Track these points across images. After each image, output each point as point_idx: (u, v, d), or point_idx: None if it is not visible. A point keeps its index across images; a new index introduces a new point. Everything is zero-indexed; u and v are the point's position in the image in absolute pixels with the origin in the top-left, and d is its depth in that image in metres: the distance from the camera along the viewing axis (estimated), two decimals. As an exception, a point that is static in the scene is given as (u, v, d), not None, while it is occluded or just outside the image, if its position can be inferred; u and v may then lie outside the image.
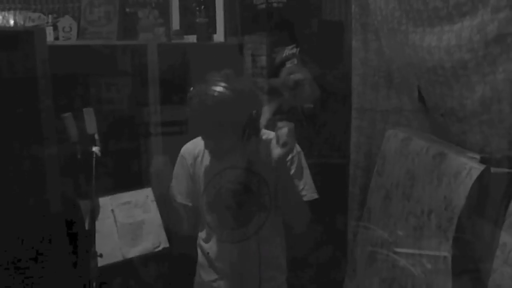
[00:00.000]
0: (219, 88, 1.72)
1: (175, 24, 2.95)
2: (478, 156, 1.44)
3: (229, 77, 1.77)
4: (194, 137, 2.00)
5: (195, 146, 1.98)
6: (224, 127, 1.75)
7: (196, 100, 1.74)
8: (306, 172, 1.92)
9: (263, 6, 2.72)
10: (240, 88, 1.76)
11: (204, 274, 2.02)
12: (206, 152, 1.93)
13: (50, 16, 2.93)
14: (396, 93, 2.12)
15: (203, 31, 2.83)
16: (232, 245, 1.94)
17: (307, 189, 1.90)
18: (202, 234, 2.03)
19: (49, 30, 2.85)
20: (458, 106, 1.56)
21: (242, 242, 1.93)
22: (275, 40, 2.70)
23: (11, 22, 2.92)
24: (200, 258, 2.04)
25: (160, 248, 2.11)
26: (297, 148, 1.91)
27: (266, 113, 1.84)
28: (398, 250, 1.59)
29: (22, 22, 2.91)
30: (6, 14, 2.94)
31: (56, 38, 2.88)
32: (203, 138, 1.88)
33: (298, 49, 2.59)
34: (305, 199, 1.89)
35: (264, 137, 1.89)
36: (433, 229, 1.53)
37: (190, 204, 2.00)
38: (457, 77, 1.51)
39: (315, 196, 1.91)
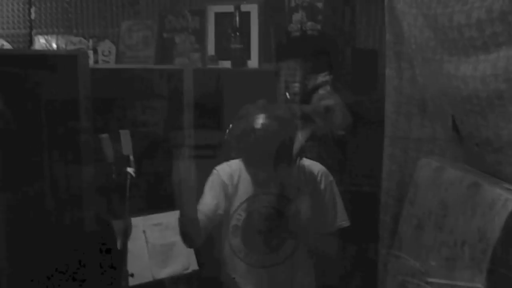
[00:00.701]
0: (265, 120, 1.81)
1: (211, 49, 3.00)
2: (513, 187, 1.42)
3: (266, 107, 1.86)
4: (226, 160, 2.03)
5: (230, 169, 2.02)
6: (271, 155, 1.81)
7: (244, 135, 1.83)
8: (339, 200, 1.97)
9: (298, 33, 2.76)
10: (281, 115, 1.87)
11: None
12: (241, 176, 1.96)
13: (90, 40, 3.03)
14: (430, 122, 2.10)
15: (237, 57, 2.87)
16: (262, 270, 1.94)
17: (339, 216, 1.95)
18: (225, 259, 2.02)
19: (89, 54, 2.94)
20: (494, 136, 1.54)
21: (272, 268, 1.93)
22: (309, 67, 2.73)
23: (54, 45, 3.03)
24: (227, 284, 2.03)
25: (189, 270, 2.13)
26: (329, 176, 1.97)
27: (298, 140, 1.86)
28: (430, 280, 1.56)
29: (63, 46, 3.02)
30: (49, 38, 3.05)
31: (96, 62, 2.98)
32: (247, 166, 1.93)
33: (331, 76, 2.60)
34: (336, 227, 1.94)
35: (298, 163, 1.92)
36: (466, 261, 1.50)
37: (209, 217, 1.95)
38: (492, 107, 1.49)
39: (347, 224, 1.96)
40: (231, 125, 1.90)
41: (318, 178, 2.00)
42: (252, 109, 1.86)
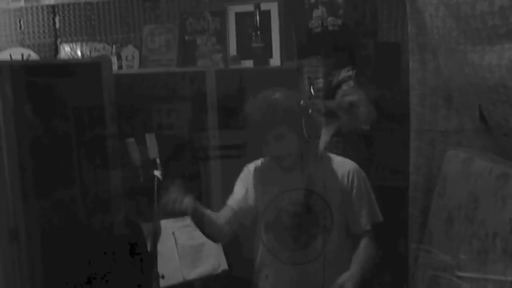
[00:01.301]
0: (276, 93, 1.91)
1: (232, 49, 3.01)
2: (544, 177, 1.39)
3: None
4: (254, 158, 2.05)
5: (260, 165, 2.05)
6: (287, 124, 1.84)
7: (258, 105, 1.89)
8: (372, 198, 2.00)
9: (319, 29, 2.74)
10: (284, 91, 1.94)
11: None
12: (271, 172, 1.99)
13: (114, 46, 3.07)
14: (456, 113, 2.07)
15: (259, 56, 2.87)
16: (292, 267, 1.94)
17: (372, 214, 1.98)
18: (259, 257, 2.03)
19: (113, 59, 2.99)
20: (522, 125, 1.52)
21: (303, 265, 1.92)
22: (331, 63, 2.71)
23: (78, 53, 3.08)
24: (260, 282, 2.04)
25: (219, 271, 2.14)
26: (362, 173, 2.00)
27: (324, 136, 1.86)
28: (461, 274, 1.54)
29: (88, 53, 3.07)
30: (74, 46, 3.11)
31: (120, 67, 3.02)
32: (267, 149, 1.92)
33: (354, 71, 2.58)
34: (370, 223, 1.96)
35: (326, 160, 1.97)
36: (498, 253, 1.47)
37: (236, 211, 1.99)
38: (520, 96, 1.47)
39: (380, 219, 1.98)
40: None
41: (351, 175, 1.99)
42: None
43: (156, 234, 1.85)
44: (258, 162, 2.07)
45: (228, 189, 2.05)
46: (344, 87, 2.56)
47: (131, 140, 1.96)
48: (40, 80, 2.24)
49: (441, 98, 2.11)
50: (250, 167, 2.07)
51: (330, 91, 2.58)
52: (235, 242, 2.31)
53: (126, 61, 3.07)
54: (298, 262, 1.93)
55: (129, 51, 3.08)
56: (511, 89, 1.49)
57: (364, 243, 1.94)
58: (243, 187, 2.02)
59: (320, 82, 2.78)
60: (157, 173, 1.91)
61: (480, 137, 1.93)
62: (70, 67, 2.36)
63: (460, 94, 1.98)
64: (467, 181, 1.76)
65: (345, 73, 2.63)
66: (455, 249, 1.76)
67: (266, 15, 2.92)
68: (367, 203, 1.98)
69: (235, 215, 1.97)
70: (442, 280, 1.76)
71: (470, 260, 1.62)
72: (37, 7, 3.21)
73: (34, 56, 3.12)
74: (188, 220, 2.20)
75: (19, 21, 3.21)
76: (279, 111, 1.83)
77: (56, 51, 3.19)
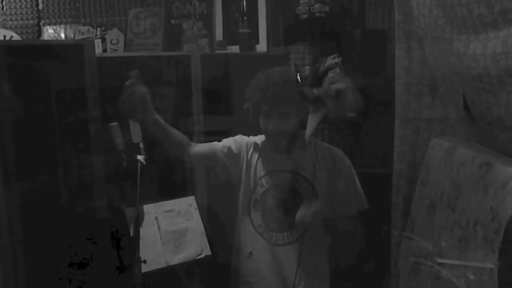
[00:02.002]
0: (281, 71, 1.96)
1: (219, 34, 2.99)
2: (526, 166, 1.40)
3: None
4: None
5: (250, 141, 2.10)
6: (292, 102, 1.87)
7: (266, 80, 1.92)
8: (357, 184, 2.03)
9: (306, 16, 2.73)
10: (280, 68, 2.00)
11: (243, 275, 2.05)
12: (263, 150, 2.04)
13: (98, 29, 3.04)
14: (441, 102, 2.08)
15: (245, 42, 2.86)
16: (274, 247, 1.96)
17: (357, 200, 2.00)
18: (243, 233, 2.06)
19: (98, 43, 2.95)
20: (505, 114, 1.52)
21: (284, 246, 1.95)
22: (318, 50, 2.71)
23: (62, 35, 3.04)
24: (242, 260, 2.06)
25: (202, 256, 2.14)
26: (347, 160, 2.04)
27: (311, 123, 1.85)
28: (442, 261, 1.55)
29: (72, 35, 3.03)
30: (57, 28, 3.06)
31: (104, 50, 2.98)
32: (267, 125, 1.93)
33: (341, 58, 2.58)
34: (355, 210, 1.98)
35: (314, 145, 2.00)
36: (479, 241, 1.49)
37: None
38: (503, 85, 1.47)
39: (365, 207, 2.01)
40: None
41: (337, 162, 2.02)
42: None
43: (138, 219, 1.83)
44: (252, 138, 2.11)
45: (211, 174, 2.06)
46: (331, 74, 2.55)
47: (114, 124, 1.93)
48: (21, 62, 2.21)
49: (426, 86, 2.11)
50: (245, 138, 2.12)
51: (317, 78, 2.57)
52: (218, 227, 2.31)
53: (111, 44, 3.03)
54: (281, 243, 1.96)
55: (114, 34, 3.04)
56: (495, 78, 1.49)
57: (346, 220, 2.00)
58: (231, 143, 2.08)
59: (307, 69, 2.78)
60: (140, 157, 1.88)
61: (464, 126, 1.95)
62: (52, 48, 2.32)
63: (444, 83, 1.99)
64: (450, 170, 1.77)
65: (331, 60, 2.63)
66: (437, 237, 1.77)
67: (253, 0, 2.89)
68: (353, 190, 2.01)
69: (210, 150, 2.06)
70: (423, 267, 1.78)
71: (451, 248, 1.64)
72: (20, -12, 3.15)
73: (16, 37, 3.07)
74: (170, 205, 2.20)
75: (1, 2, 3.15)
76: (288, 88, 1.87)
77: (39, 33, 3.14)
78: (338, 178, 2.00)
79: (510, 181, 1.38)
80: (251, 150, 2.07)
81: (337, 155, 2.05)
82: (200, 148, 2.09)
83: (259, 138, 2.10)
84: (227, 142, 2.10)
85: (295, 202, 1.94)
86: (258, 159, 2.04)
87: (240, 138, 2.13)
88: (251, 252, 2.00)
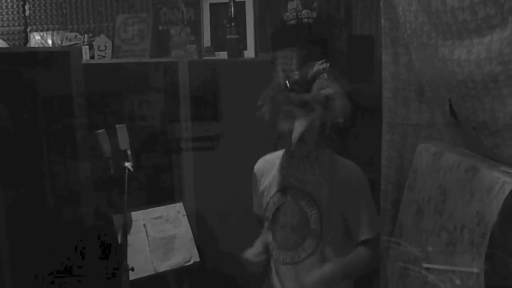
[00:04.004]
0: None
1: (206, 41, 2.99)
2: (511, 170, 1.41)
3: None
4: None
5: (264, 163, 2.00)
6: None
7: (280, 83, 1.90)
8: (372, 205, 1.86)
9: (293, 21, 2.74)
10: None
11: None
12: (274, 167, 1.93)
13: (86, 35, 3.03)
14: (428, 107, 2.09)
15: (233, 48, 2.85)
16: (285, 266, 1.88)
17: (366, 227, 1.80)
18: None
19: (85, 49, 2.94)
20: (490, 119, 1.54)
21: (292, 266, 1.86)
22: (306, 55, 2.71)
23: (49, 41, 3.02)
24: (268, 276, 1.98)
25: (191, 263, 2.14)
26: (363, 179, 1.86)
27: (298, 128, 1.85)
28: (429, 266, 1.56)
29: (59, 42, 3.01)
30: (44, 34, 3.05)
31: (92, 57, 2.97)
32: (285, 126, 1.79)
33: (328, 64, 2.59)
34: (368, 232, 1.80)
35: (330, 159, 1.85)
36: (466, 245, 1.50)
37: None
38: (488, 90, 1.48)
39: (373, 235, 1.81)
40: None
41: (353, 181, 1.84)
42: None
43: (126, 226, 1.83)
44: (265, 158, 2.01)
45: (200, 181, 2.04)
46: (319, 79, 2.56)
47: (101, 131, 1.93)
48: (8, 69, 2.19)
49: (413, 91, 2.13)
50: (256, 168, 2.01)
51: (305, 84, 2.58)
52: (207, 234, 2.31)
53: (98, 51, 3.02)
54: (288, 262, 1.86)
55: (102, 41, 3.03)
56: (479, 83, 1.51)
57: (359, 249, 1.81)
58: (253, 192, 2.02)
59: (296, 75, 2.78)
60: (128, 164, 1.88)
61: (450, 130, 1.96)
62: (38, 56, 2.31)
63: (431, 88, 2.00)
64: (437, 174, 1.78)
65: (319, 65, 2.63)
66: (425, 241, 1.78)
67: (240, 6, 2.90)
68: (367, 212, 1.82)
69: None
70: (411, 272, 1.78)
71: (439, 252, 1.65)
72: (6, -6, 3.14)
73: (3, 44, 3.05)
74: (159, 212, 2.19)
75: (-12, 9, 3.13)
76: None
77: (26, 39, 3.12)
78: (353, 198, 1.81)
79: (496, 186, 1.39)
80: (264, 173, 1.97)
81: (354, 172, 1.86)
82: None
83: (274, 155, 1.98)
84: (254, 200, 2.03)
85: (300, 221, 1.84)
86: (270, 177, 1.94)
87: (252, 179, 2.02)
88: (271, 269, 1.93)
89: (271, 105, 1.85)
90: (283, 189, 1.89)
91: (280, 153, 1.95)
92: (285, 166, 1.90)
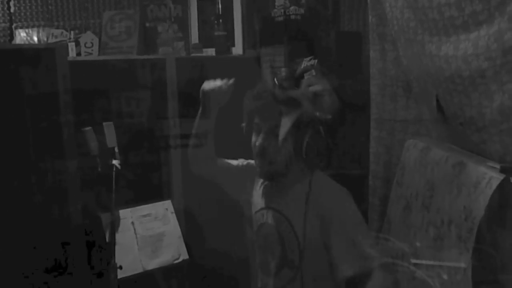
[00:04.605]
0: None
1: (194, 37, 2.98)
2: (498, 166, 1.42)
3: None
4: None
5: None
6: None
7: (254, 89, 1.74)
8: (358, 239, 1.56)
9: (281, 18, 2.74)
10: None
11: None
12: (257, 180, 1.80)
13: (72, 32, 3.00)
14: (415, 103, 2.10)
15: (221, 44, 2.85)
16: None
17: (349, 263, 1.54)
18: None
19: (72, 46, 2.91)
20: (477, 115, 1.54)
21: None
22: (293, 51, 2.71)
23: (35, 38, 2.99)
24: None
25: (179, 260, 2.13)
26: (350, 205, 1.62)
27: (285, 125, 1.84)
28: (416, 261, 1.56)
29: (45, 39, 2.98)
30: (30, 31, 3.01)
31: (78, 54, 2.94)
32: (254, 140, 1.68)
33: (316, 60, 2.59)
34: (344, 276, 1.55)
35: (316, 181, 1.64)
36: (453, 240, 1.51)
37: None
38: (475, 86, 1.49)
39: (357, 271, 1.53)
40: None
41: (335, 207, 1.60)
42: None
43: (114, 224, 1.82)
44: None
45: (188, 178, 2.03)
46: (307, 76, 2.56)
47: (88, 129, 1.91)
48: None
49: (401, 88, 2.14)
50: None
51: (293, 81, 2.58)
52: (196, 231, 2.30)
53: (85, 47, 3.00)
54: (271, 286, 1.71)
55: (88, 37, 3.00)
56: (466, 79, 1.51)
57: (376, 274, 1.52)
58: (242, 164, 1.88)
59: (283, 71, 2.78)
60: (115, 162, 1.87)
61: (438, 126, 1.97)
62: (24, 53, 2.29)
63: (418, 84, 2.01)
64: (425, 170, 1.79)
65: (307, 62, 2.63)
66: (413, 237, 1.79)
67: (228, 3, 2.89)
68: (352, 246, 1.53)
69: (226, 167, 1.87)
70: (399, 268, 1.79)
71: (426, 247, 1.65)
72: (-10, -10, 3.10)
73: (-13, 41, 3.01)
74: (147, 210, 2.18)
75: (-28, 5, 3.09)
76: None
77: (11, 36, 3.08)
78: (333, 230, 1.57)
79: (483, 181, 1.40)
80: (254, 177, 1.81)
81: (339, 200, 1.63)
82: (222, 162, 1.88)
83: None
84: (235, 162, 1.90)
85: (278, 248, 1.66)
86: (258, 190, 1.79)
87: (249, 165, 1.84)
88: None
89: (247, 118, 1.73)
90: (265, 208, 1.73)
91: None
92: (264, 180, 1.75)
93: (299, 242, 1.61)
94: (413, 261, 1.52)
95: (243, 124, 1.75)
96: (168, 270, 2.22)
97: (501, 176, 1.35)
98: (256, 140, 1.67)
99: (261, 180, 1.78)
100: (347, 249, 1.54)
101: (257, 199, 1.78)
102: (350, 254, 1.54)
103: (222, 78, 1.96)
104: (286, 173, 1.66)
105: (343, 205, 1.63)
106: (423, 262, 1.56)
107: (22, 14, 3.10)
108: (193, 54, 2.91)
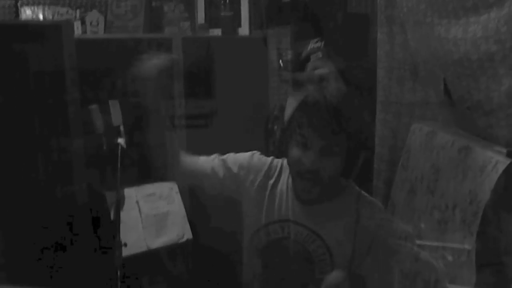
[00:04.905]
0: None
1: (200, 18, 2.96)
2: (504, 150, 1.41)
3: None
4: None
5: (273, 165, 1.61)
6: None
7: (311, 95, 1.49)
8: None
9: (288, -1, 2.72)
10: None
11: None
12: (280, 184, 1.57)
13: (78, 10, 2.98)
14: (422, 86, 2.09)
15: (228, 25, 2.83)
16: None
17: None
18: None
19: (77, 25, 2.90)
20: (485, 99, 1.54)
21: None
22: (300, 33, 2.69)
23: (40, 16, 2.97)
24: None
25: (184, 240, 2.14)
26: (389, 223, 1.54)
27: (290, 106, 1.83)
28: (421, 242, 1.57)
29: (50, 17, 2.97)
30: (35, 9, 2.99)
31: (84, 32, 2.93)
32: (298, 156, 1.43)
33: (323, 42, 2.57)
34: None
35: (352, 196, 1.52)
36: (457, 224, 1.51)
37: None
38: (483, 70, 1.48)
39: None
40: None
41: (370, 226, 1.49)
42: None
43: (119, 203, 1.82)
44: (280, 161, 1.61)
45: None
46: (313, 58, 2.55)
47: (94, 107, 1.90)
48: (-2, 43, 2.16)
49: (408, 71, 2.12)
50: (268, 159, 1.62)
51: (299, 63, 2.56)
52: (200, 210, 2.31)
53: (90, 26, 2.98)
54: None
55: (94, 16, 2.98)
56: (475, 63, 1.50)
57: None
58: (254, 158, 1.62)
59: (290, 54, 2.76)
60: (120, 140, 1.86)
61: (444, 110, 1.96)
62: (29, 29, 2.27)
63: (426, 68, 2.00)
64: (430, 154, 1.79)
65: (313, 44, 2.62)
66: (417, 220, 1.79)
67: (235, -17, 2.87)
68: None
69: (217, 170, 1.59)
70: (402, 249, 1.80)
71: (431, 230, 1.66)
72: (-4, -33, 3.07)
73: (-7, 18, 3.00)
74: (152, 189, 2.19)
75: (-23, -18, 3.07)
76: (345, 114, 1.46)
77: (17, 14, 3.07)
78: (372, 256, 1.47)
79: (489, 165, 1.40)
80: (267, 178, 1.58)
81: (373, 210, 1.52)
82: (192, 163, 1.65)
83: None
84: (243, 156, 1.62)
85: (304, 267, 1.52)
86: (273, 194, 1.56)
87: (258, 157, 1.62)
88: None
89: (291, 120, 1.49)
90: (285, 221, 1.53)
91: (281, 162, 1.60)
92: (297, 195, 1.51)
93: (333, 263, 1.49)
94: (418, 242, 1.52)
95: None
96: (172, 249, 2.23)
97: (508, 160, 1.35)
98: (303, 157, 1.42)
99: (279, 189, 1.56)
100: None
101: (260, 208, 1.56)
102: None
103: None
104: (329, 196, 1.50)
105: (383, 218, 1.54)
106: (428, 243, 1.56)
107: (28, -9, 3.08)
108: (199, 34, 2.90)
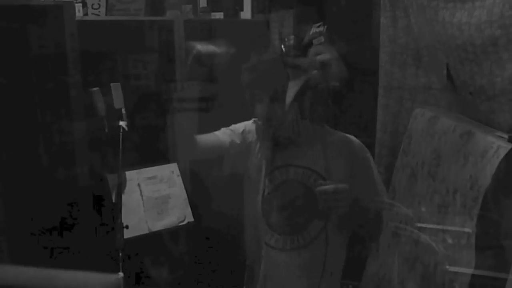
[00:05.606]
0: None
1: (202, 1, 2.94)
2: (506, 135, 1.42)
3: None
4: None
5: (249, 128, 1.84)
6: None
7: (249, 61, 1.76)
8: (377, 179, 1.74)
9: (291, -18, 2.70)
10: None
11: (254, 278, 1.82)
12: (262, 141, 1.78)
13: (79, -7, 2.95)
14: (424, 71, 2.08)
15: (229, 8, 2.82)
16: (281, 252, 1.73)
17: (379, 195, 1.72)
18: (251, 234, 1.83)
19: (78, 7, 2.87)
20: (488, 84, 1.53)
21: (293, 251, 1.72)
22: (302, 16, 2.68)
23: (41, -1, 2.95)
24: (254, 266, 1.82)
25: (185, 222, 2.15)
26: (366, 152, 1.74)
27: (291, 89, 1.83)
28: (421, 225, 1.58)
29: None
30: (36, -9, 2.97)
31: (85, 15, 2.91)
32: (258, 110, 1.69)
33: (326, 26, 2.55)
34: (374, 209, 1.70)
35: (325, 134, 1.71)
36: (458, 208, 1.52)
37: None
38: (487, 55, 1.47)
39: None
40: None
41: (352, 152, 1.71)
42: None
43: (121, 186, 1.82)
44: (249, 124, 1.87)
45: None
46: (315, 43, 2.53)
47: (96, 89, 1.90)
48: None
49: (410, 56, 2.12)
50: (241, 124, 1.87)
51: (301, 48, 2.55)
52: (202, 192, 2.32)
53: (92, 9, 2.96)
54: (288, 248, 1.72)
55: (95, -2, 2.96)
56: (479, 47, 1.50)
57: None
58: (244, 128, 1.83)
59: (292, 38, 2.75)
60: (122, 123, 1.86)
61: (446, 95, 1.96)
62: (31, 10, 2.25)
63: (429, 52, 1.99)
64: (432, 139, 1.79)
65: (316, 28, 2.60)
66: (417, 205, 1.80)
67: (237, -35, 2.85)
68: (373, 186, 1.72)
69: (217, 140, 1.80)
70: (403, 232, 1.81)
71: (431, 214, 1.67)
72: None
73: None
74: (153, 172, 2.19)
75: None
76: (278, 65, 1.69)
77: (18, -4, 3.05)
78: (355, 172, 1.68)
79: (490, 150, 1.40)
80: (253, 140, 1.80)
81: (353, 144, 1.73)
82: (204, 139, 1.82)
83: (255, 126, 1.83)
84: (236, 127, 1.84)
85: (306, 201, 1.70)
86: (264, 151, 1.76)
87: (240, 124, 1.86)
88: (259, 257, 1.76)
89: (245, 87, 1.77)
90: (282, 167, 1.73)
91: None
92: (276, 142, 1.73)
93: (330, 191, 1.59)
94: (418, 225, 1.53)
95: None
96: (174, 232, 2.24)
97: (509, 146, 1.35)
98: (261, 109, 1.68)
99: (267, 143, 1.76)
100: (372, 188, 1.70)
101: (259, 161, 1.76)
102: (375, 192, 1.70)
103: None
104: (296, 135, 1.69)
105: (360, 149, 1.73)
106: (428, 226, 1.57)
107: (29, -28, 3.05)
108: (201, 17, 2.88)
